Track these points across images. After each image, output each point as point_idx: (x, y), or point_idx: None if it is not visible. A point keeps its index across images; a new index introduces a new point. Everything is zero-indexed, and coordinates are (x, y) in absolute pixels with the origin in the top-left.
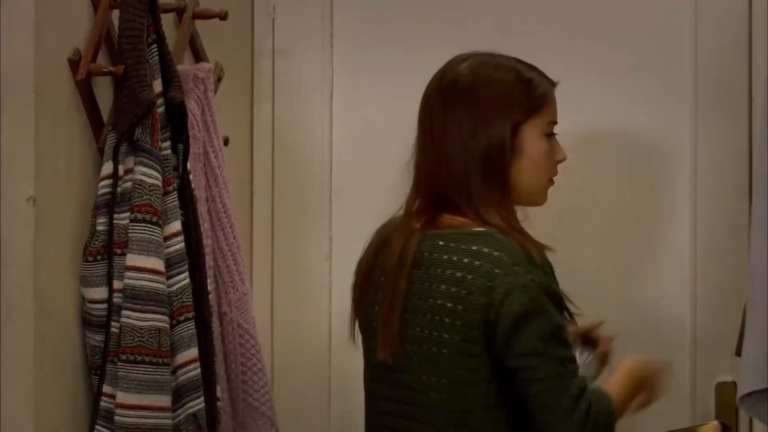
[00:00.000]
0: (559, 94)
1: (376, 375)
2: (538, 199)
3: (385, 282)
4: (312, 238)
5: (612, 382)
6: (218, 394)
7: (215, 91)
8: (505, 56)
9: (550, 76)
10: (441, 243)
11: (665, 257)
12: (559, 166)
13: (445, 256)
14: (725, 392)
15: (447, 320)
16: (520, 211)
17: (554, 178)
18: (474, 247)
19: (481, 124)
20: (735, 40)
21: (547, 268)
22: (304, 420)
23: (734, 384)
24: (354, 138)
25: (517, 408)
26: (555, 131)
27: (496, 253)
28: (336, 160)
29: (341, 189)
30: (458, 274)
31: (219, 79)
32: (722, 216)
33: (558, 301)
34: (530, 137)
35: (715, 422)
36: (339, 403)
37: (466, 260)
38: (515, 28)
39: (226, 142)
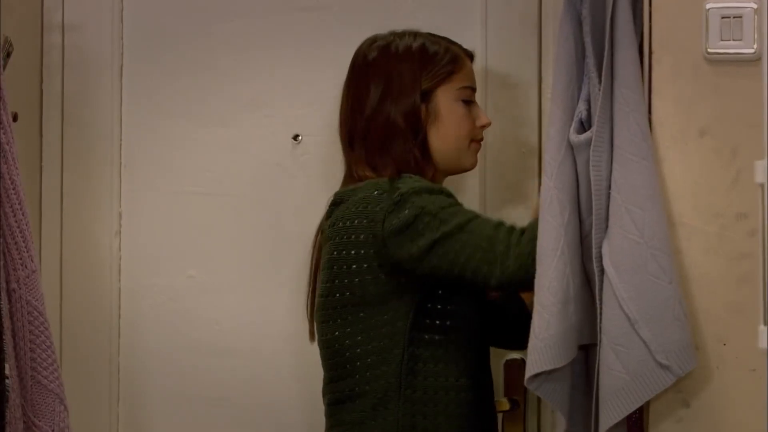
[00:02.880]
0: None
1: None
2: (463, 161)
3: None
4: (101, 214)
5: None
6: (7, 371)
7: (4, 66)
8: (415, 33)
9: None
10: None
11: None
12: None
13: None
14: (514, 370)
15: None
16: None
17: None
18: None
19: (397, 96)
20: (523, 20)
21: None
22: (92, 397)
23: (523, 361)
24: (144, 113)
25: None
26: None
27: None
28: (126, 136)
29: (131, 164)
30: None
31: (8, 54)
32: (510, 193)
33: (438, 192)
34: (444, 102)
35: (504, 399)
36: (127, 381)
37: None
38: (303, 3)
39: (15, 117)
